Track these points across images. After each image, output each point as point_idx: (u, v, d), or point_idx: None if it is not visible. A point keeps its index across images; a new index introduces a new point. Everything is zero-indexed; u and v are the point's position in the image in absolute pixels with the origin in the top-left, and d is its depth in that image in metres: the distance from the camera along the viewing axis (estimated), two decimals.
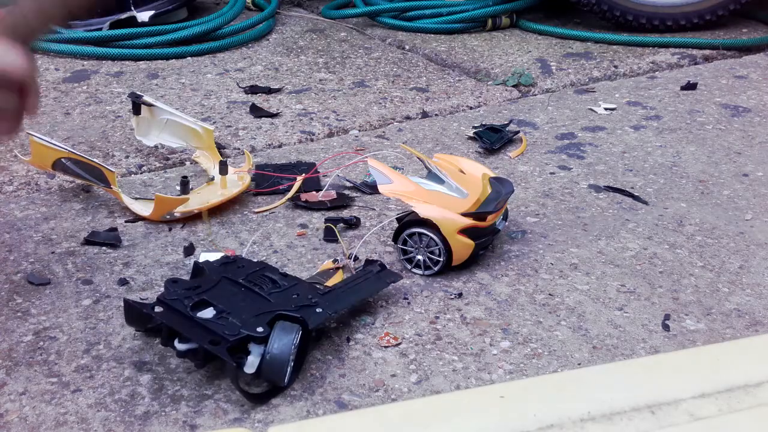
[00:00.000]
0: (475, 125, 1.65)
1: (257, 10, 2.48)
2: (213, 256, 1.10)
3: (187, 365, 0.97)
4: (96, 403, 0.92)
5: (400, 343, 1.02)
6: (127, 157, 1.52)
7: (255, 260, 1.10)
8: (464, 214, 1.13)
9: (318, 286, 1.05)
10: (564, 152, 1.55)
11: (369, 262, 1.14)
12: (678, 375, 0.71)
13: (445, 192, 1.20)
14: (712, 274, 1.16)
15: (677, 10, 2.21)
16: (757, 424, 0.66)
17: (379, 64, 2.05)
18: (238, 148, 1.56)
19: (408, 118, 1.73)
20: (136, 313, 0.99)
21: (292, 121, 1.70)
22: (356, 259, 1.17)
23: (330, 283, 1.10)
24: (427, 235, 1.13)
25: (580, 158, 1.53)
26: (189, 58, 2.10)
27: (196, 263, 1.06)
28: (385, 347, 1.01)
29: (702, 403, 0.67)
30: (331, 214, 1.32)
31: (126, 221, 1.29)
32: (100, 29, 2.16)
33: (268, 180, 1.40)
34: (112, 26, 2.16)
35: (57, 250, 1.22)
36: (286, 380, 0.92)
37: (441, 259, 1.14)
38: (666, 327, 1.05)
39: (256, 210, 1.33)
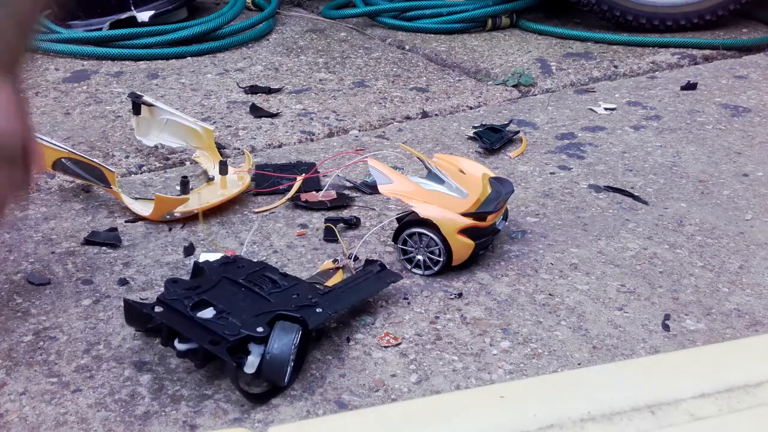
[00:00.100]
0: (475, 125, 1.65)
1: (257, 10, 2.48)
2: (213, 256, 1.10)
3: (187, 365, 0.97)
4: (96, 403, 0.92)
5: (400, 343, 1.02)
6: (127, 157, 1.52)
7: (255, 260, 1.10)
8: (464, 214, 1.13)
9: (318, 286, 1.05)
10: (564, 152, 1.55)
11: (369, 262, 1.14)
12: (678, 375, 0.71)
13: (445, 192, 1.20)
14: (712, 274, 1.16)
15: (677, 10, 2.21)
16: (757, 424, 0.66)
17: (379, 64, 2.05)
18: (238, 148, 1.56)
19: (408, 118, 1.73)
20: (136, 313, 0.99)
21: (292, 121, 1.70)
22: (356, 259, 1.17)
23: (330, 283, 1.10)
24: (427, 235, 1.13)
25: (580, 158, 1.53)
26: (189, 58, 2.10)
27: (196, 263, 1.06)
28: (385, 347, 1.01)
29: (702, 403, 0.67)
30: (331, 214, 1.32)
31: (126, 221, 1.29)
32: (100, 29, 2.16)
33: (268, 180, 1.40)
34: (112, 26, 2.16)
35: (57, 250, 1.22)
36: (286, 380, 0.92)
37: (441, 259, 1.14)
38: (666, 327, 1.05)
39: (256, 210, 1.33)
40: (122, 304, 1.01)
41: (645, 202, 1.36)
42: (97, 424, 0.89)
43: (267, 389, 0.93)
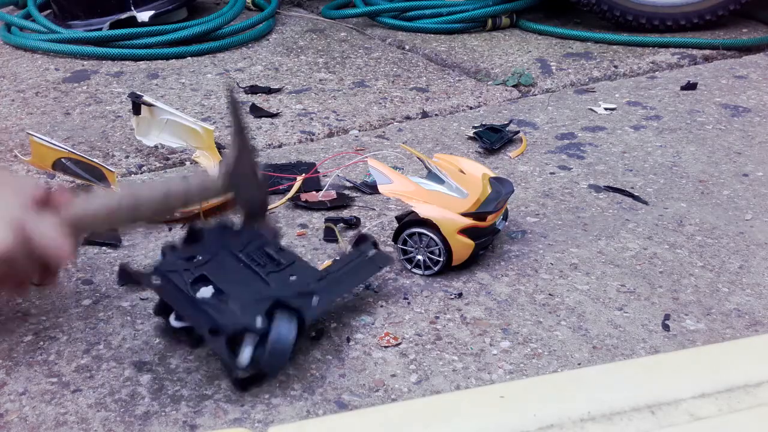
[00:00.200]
0: (475, 125, 1.65)
1: (257, 10, 2.48)
2: None
3: (187, 365, 0.97)
4: (96, 403, 0.92)
5: (400, 343, 1.02)
6: (127, 157, 1.52)
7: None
8: (464, 214, 1.13)
9: (314, 268, 1.04)
10: (564, 152, 1.55)
11: (361, 238, 1.11)
12: (678, 375, 0.71)
13: (445, 192, 1.20)
14: (712, 274, 1.17)
15: (677, 10, 2.21)
16: (757, 424, 0.66)
17: (379, 64, 2.05)
18: None
19: (408, 118, 1.73)
20: (130, 278, 0.99)
21: (292, 121, 1.70)
22: None
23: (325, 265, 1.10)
24: (427, 235, 1.13)
25: (580, 158, 1.53)
26: (189, 58, 2.10)
27: (191, 227, 1.05)
28: (385, 347, 1.01)
29: (702, 403, 0.67)
30: (331, 214, 1.32)
31: None
32: (100, 29, 2.16)
33: (268, 180, 1.40)
34: (112, 26, 2.16)
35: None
36: (279, 372, 0.93)
37: (441, 259, 1.14)
38: (666, 327, 1.05)
39: None
40: (122, 304, 1.01)
41: (645, 202, 1.36)
42: (97, 424, 0.89)
43: (254, 374, 0.93)
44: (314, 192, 1.36)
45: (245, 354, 0.90)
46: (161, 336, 1.01)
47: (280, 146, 1.59)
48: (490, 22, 2.30)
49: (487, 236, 1.17)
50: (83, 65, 2.03)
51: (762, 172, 1.47)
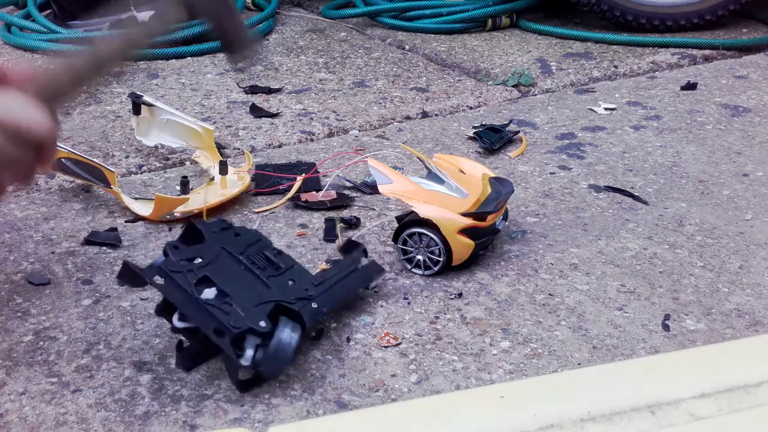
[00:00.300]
0: (475, 125, 1.65)
1: (257, 10, 2.48)
2: None
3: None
4: (96, 403, 0.92)
5: (400, 343, 1.02)
6: (127, 157, 1.52)
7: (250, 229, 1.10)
8: (464, 214, 1.13)
9: (310, 273, 1.06)
10: (564, 152, 1.55)
11: (350, 244, 1.14)
12: (678, 375, 0.71)
13: (445, 192, 1.20)
14: (712, 274, 1.16)
15: (677, 10, 2.21)
16: (757, 424, 0.66)
17: (379, 64, 2.05)
18: (238, 148, 1.56)
19: (408, 118, 1.73)
20: (132, 275, 0.97)
21: (292, 121, 1.70)
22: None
23: (321, 268, 1.11)
24: (427, 235, 1.13)
25: (580, 158, 1.53)
26: (189, 58, 2.09)
27: (190, 222, 1.04)
28: (385, 347, 1.01)
29: (702, 403, 0.67)
30: (331, 214, 1.32)
31: (126, 221, 1.29)
32: (100, 29, 2.16)
33: (268, 180, 1.40)
34: (112, 26, 2.16)
35: (57, 250, 1.22)
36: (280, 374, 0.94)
37: (441, 259, 1.14)
38: (666, 327, 1.05)
39: (256, 210, 1.33)
40: (122, 304, 1.01)
41: (645, 202, 1.36)
42: (97, 424, 0.89)
43: (253, 376, 0.94)
44: (314, 192, 1.36)
45: (247, 355, 0.90)
46: (165, 335, 1.02)
47: (280, 146, 1.59)
48: (490, 22, 2.30)
49: (487, 236, 1.17)
50: None
51: (762, 172, 1.47)
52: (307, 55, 2.13)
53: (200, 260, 0.99)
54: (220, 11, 1.03)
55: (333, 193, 1.36)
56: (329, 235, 1.25)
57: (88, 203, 1.35)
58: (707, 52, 2.12)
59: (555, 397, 0.68)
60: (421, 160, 1.27)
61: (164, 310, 0.96)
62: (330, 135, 1.64)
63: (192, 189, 1.35)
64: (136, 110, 1.47)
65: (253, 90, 1.86)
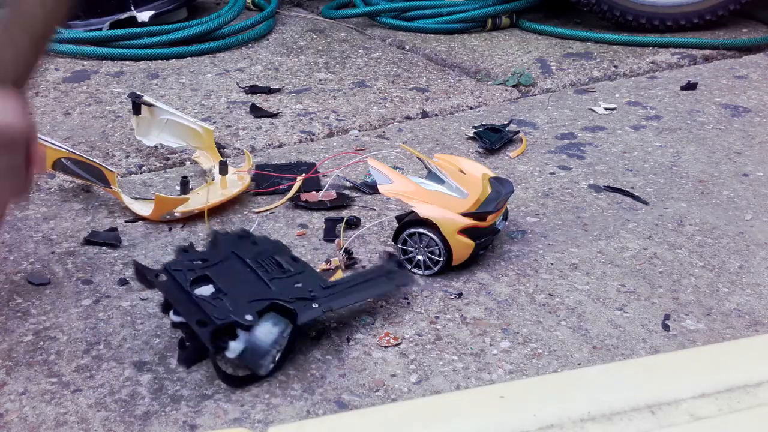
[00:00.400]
0: (475, 125, 1.65)
1: (257, 10, 2.48)
2: None
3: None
4: (96, 403, 0.92)
5: (400, 343, 1.02)
6: (127, 157, 1.52)
7: (272, 238, 1.10)
8: (464, 214, 1.13)
9: (324, 278, 1.05)
10: (564, 152, 1.55)
11: (389, 256, 1.15)
12: (678, 375, 0.71)
13: (445, 192, 1.20)
14: (712, 274, 1.16)
15: (677, 10, 2.21)
16: (757, 424, 0.66)
17: (379, 64, 2.05)
18: (238, 148, 1.56)
19: (408, 118, 1.73)
20: (143, 276, 1.01)
21: (292, 121, 1.70)
22: (350, 253, 1.17)
23: (335, 277, 1.11)
24: (427, 235, 1.13)
25: (580, 158, 1.53)
26: (189, 58, 2.09)
27: (215, 232, 1.08)
28: (385, 347, 1.01)
29: (702, 403, 0.67)
30: (331, 214, 1.32)
31: (126, 221, 1.29)
32: (100, 29, 2.16)
33: (268, 180, 1.40)
34: (112, 26, 2.16)
35: (57, 250, 1.22)
36: (265, 370, 0.93)
37: (441, 259, 1.14)
38: (666, 327, 1.05)
39: (256, 210, 1.33)
40: (122, 304, 1.01)
41: (645, 202, 1.36)
42: (97, 424, 0.89)
43: (246, 374, 0.94)
44: (314, 192, 1.36)
45: (233, 348, 0.91)
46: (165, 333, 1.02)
47: (280, 146, 1.59)
48: (490, 22, 2.30)
49: (487, 236, 1.17)
50: (83, 65, 2.03)
51: (762, 172, 1.47)
52: (307, 55, 2.13)
53: (208, 261, 1.00)
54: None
55: (333, 193, 1.36)
56: (329, 235, 1.25)
57: (88, 203, 1.35)
58: (707, 52, 2.12)
59: (555, 397, 0.68)
60: (421, 160, 1.27)
61: (165, 307, 0.97)
62: (330, 135, 1.64)
63: (192, 189, 1.35)
64: (136, 110, 1.47)
65: (253, 90, 1.86)
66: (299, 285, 1.00)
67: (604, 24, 2.27)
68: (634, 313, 1.08)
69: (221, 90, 1.87)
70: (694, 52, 2.12)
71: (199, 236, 1.25)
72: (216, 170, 1.37)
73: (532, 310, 1.08)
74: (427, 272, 1.15)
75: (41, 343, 1.01)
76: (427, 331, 1.04)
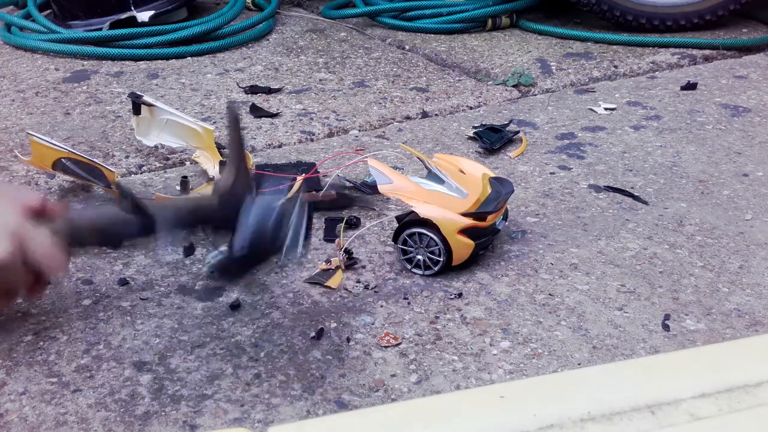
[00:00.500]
0: (475, 125, 1.65)
1: (257, 10, 2.48)
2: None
3: (187, 365, 0.97)
4: (96, 403, 0.92)
5: (400, 343, 1.02)
6: (127, 157, 1.52)
7: None
8: (464, 214, 1.13)
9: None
10: (564, 152, 1.55)
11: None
12: (678, 375, 0.71)
13: (445, 192, 1.20)
14: (712, 274, 1.16)
15: (677, 10, 2.21)
16: (757, 424, 0.66)
17: (379, 64, 2.05)
18: None
19: (408, 118, 1.73)
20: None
21: (292, 121, 1.70)
22: (350, 253, 1.17)
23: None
24: (427, 235, 1.13)
25: (580, 158, 1.53)
26: (189, 58, 2.10)
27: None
28: (385, 347, 1.01)
29: (702, 403, 0.67)
30: (331, 214, 1.32)
31: None
32: (100, 29, 2.16)
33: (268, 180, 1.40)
34: (112, 26, 2.16)
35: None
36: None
37: (441, 259, 1.14)
38: (666, 327, 1.05)
39: None
40: (122, 304, 1.01)
41: (645, 202, 1.36)
42: (97, 424, 0.89)
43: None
44: (314, 192, 1.36)
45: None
46: None
47: (280, 146, 1.59)
48: (490, 22, 2.30)
49: (487, 236, 1.17)
50: (83, 65, 2.03)
51: (762, 172, 1.47)
52: (307, 55, 2.13)
53: None
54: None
55: (333, 193, 1.36)
56: (329, 235, 1.25)
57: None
58: (707, 52, 2.12)
59: (555, 397, 0.68)
60: (421, 160, 1.27)
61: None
62: (330, 135, 1.64)
63: (192, 189, 1.35)
64: (136, 110, 1.47)
65: (253, 90, 1.86)
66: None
67: (604, 24, 2.28)
68: (634, 313, 1.08)
69: (221, 90, 1.87)
70: (694, 52, 2.12)
71: (198, 236, 1.25)
72: (216, 170, 1.37)
73: (532, 310, 1.08)
74: (427, 272, 1.15)
75: (41, 343, 1.01)
76: (427, 331, 1.04)
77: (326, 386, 0.94)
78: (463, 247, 1.13)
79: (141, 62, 2.05)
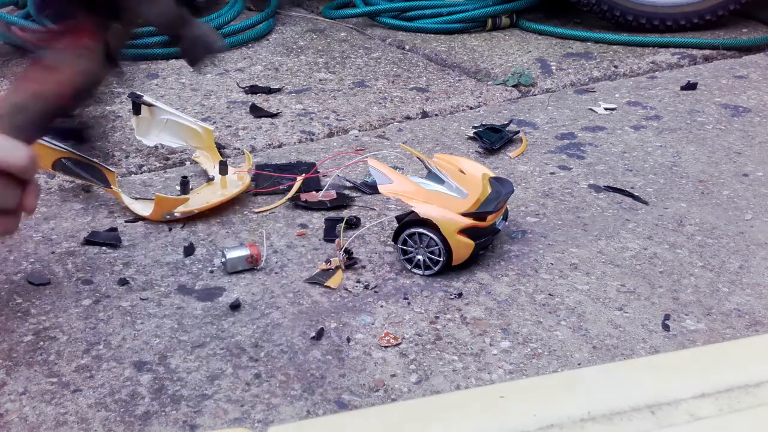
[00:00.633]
0: (475, 125, 1.65)
1: (257, 10, 2.48)
2: (237, 252, 1.14)
3: (187, 365, 0.97)
4: (96, 403, 0.92)
5: (400, 343, 1.02)
6: (127, 157, 1.52)
7: None
8: (464, 214, 1.13)
9: None
10: (564, 152, 1.55)
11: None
12: (678, 375, 0.71)
13: (445, 192, 1.20)
14: (712, 274, 1.16)
15: (677, 10, 2.21)
16: (757, 424, 0.66)
17: (379, 64, 2.05)
18: (238, 148, 1.56)
19: (408, 118, 1.73)
20: None
21: (292, 121, 1.70)
22: (350, 253, 1.17)
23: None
24: (427, 235, 1.13)
25: (580, 158, 1.53)
26: None
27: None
28: (385, 347, 1.01)
29: (702, 403, 0.67)
30: (331, 214, 1.32)
31: (126, 221, 1.29)
32: None
33: (268, 180, 1.40)
34: None
35: (57, 250, 1.22)
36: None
37: (441, 259, 1.14)
38: (666, 327, 1.05)
39: (256, 210, 1.33)
40: (122, 304, 1.01)
41: (645, 202, 1.36)
42: (97, 424, 0.89)
43: None
44: (314, 192, 1.36)
45: None
46: None
47: (280, 146, 1.59)
48: (490, 22, 2.30)
49: (487, 236, 1.17)
50: None
51: (762, 172, 1.47)
52: (307, 55, 2.13)
53: None
54: (174, 21, 1.04)
55: (333, 193, 1.36)
56: (329, 235, 1.25)
57: (88, 203, 1.35)
58: (707, 52, 2.12)
59: (555, 397, 0.68)
60: (421, 160, 1.27)
61: None
62: (330, 135, 1.64)
63: (192, 189, 1.35)
64: (136, 110, 1.47)
65: (253, 90, 1.86)
66: None
67: (604, 24, 2.28)
68: (634, 313, 1.08)
69: (221, 90, 1.87)
70: (694, 52, 2.12)
71: (199, 236, 1.25)
72: (216, 170, 1.37)
73: (532, 310, 1.08)
74: (427, 272, 1.15)
75: (41, 343, 1.02)
76: (427, 331, 1.04)
77: (326, 386, 0.94)
78: (463, 247, 1.13)
79: (141, 62, 2.05)
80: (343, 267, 1.16)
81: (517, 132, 1.62)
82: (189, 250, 1.21)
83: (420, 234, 1.14)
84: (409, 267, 1.16)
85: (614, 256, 1.21)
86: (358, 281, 1.14)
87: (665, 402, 0.67)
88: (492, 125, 1.63)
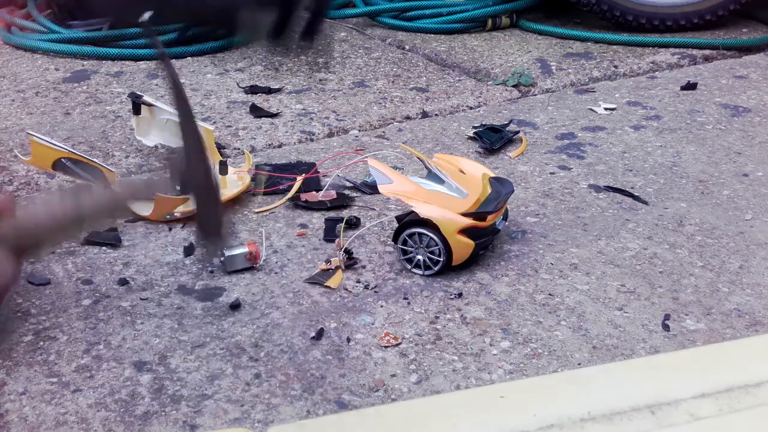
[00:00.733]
0: (475, 125, 1.65)
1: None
2: (236, 250, 1.14)
3: (187, 365, 0.97)
4: (96, 403, 0.92)
5: (400, 343, 1.02)
6: (127, 157, 1.52)
7: None
8: (464, 214, 1.13)
9: None
10: (564, 152, 1.55)
11: None
12: (678, 375, 0.71)
13: (445, 192, 1.20)
14: (712, 274, 1.16)
15: (677, 10, 2.21)
16: (757, 424, 0.66)
17: (379, 64, 2.05)
18: (238, 148, 1.56)
19: (408, 118, 1.73)
20: None
21: (292, 121, 1.70)
22: (350, 253, 1.17)
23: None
24: (427, 235, 1.13)
25: (580, 158, 1.53)
26: (189, 58, 2.09)
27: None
28: (385, 347, 1.01)
29: (702, 403, 0.67)
30: (331, 214, 1.32)
31: (126, 221, 1.29)
32: (100, 29, 2.16)
33: (268, 180, 1.40)
34: (112, 26, 2.16)
35: (57, 250, 1.22)
36: None
37: (441, 259, 1.14)
38: (666, 327, 1.05)
39: (256, 210, 1.33)
40: (122, 304, 1.01)
41: (645, 202, 1.36)
42: (97, 424, 0.89)
43: None
44: (314, 192, 1.36)
45: None
46: None
47: (280, 146, 1.59)
48: (490, 22, 2.30)
49: (487, 236, 1.17)
50: (83, 65, 2.03)
51: (762, 172, 1.47)
52: (307, 55, 2.13)
53: None
54: (206, 195, 1.04)
55: (333, 193, 1.36)
56: (329, 235, 1.25)
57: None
58: (707, 52, 2.12)
59: (555, 397, 0.68)
60: (421, 160, 1.27)
61: None
62: (330, 135, 1.64)
63: None
64: (136, 110, 1.47)
65: (253, 90, 1.86)
66: None
67: (604, 24, 2.27)
68: (634, 313, 1.08)
69: (221, 90, 1.87)
70: (694, 52, 2.12)
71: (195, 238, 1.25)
72: (216, 170, 1.36)
73: (532, 310, 1.08)
74: (427, 272, 1.15)
75: (41, 343, 1.01)
76: (427, 331, 1.04)
77: (326, 386, 0.94)
78: (463, 247, 1.13)
79: (141, 62, 2.05)
80: (343, 267, 1.16)
81: (517, 132, 1.62)
82: (189, 250, 1.21)
83: (420, 234, 1.14)
84: (409, 267, 1.16)
85: (614, 256, 1.21)
86: (358, 281, 1.14)
87: (665, 402, 0.67)
88: (492, 125, 1.63)
